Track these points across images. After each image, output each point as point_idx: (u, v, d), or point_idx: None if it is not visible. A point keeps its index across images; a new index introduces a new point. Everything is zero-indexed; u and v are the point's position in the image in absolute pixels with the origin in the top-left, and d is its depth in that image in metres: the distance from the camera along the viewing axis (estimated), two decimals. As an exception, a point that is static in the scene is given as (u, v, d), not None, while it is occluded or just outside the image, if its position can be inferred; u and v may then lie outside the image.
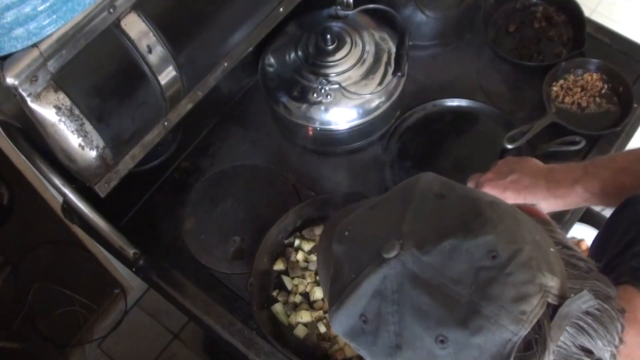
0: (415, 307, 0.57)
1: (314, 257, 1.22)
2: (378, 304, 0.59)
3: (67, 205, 1.26)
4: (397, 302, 0.58)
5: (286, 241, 1.25)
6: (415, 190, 0.64)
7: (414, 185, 0.65)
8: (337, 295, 0.62)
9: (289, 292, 1.20)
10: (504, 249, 0.57)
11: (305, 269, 1.22)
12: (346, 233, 0.65)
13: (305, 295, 1.20)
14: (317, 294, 1.19)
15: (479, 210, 0.60)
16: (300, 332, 1.16)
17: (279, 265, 1.23)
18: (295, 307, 1.19)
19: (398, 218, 0.62)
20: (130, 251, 1.24)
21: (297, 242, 1.24)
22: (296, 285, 1.20)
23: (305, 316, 1.16)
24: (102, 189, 1.04)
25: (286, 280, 1.21)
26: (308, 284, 1.20)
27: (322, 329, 1.16)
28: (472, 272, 0.57)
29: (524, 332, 0.55)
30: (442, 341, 0.56)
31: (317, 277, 1.20)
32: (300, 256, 1.22)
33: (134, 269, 1.26)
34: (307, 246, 1.23)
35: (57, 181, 1.09)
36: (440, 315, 0.56)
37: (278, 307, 1.19)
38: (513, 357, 0.55)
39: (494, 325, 0.55)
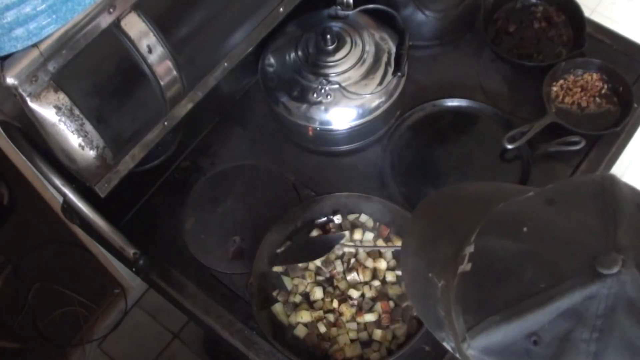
0: (625, 340, 0.49)
1: (314, 257, 1.22)
2: (569, 326, 0.50)
3: (67, 205, 1.26)
4: (600, 329, 0.49)
5: (286, 241, 1.25)
6: (615, 195, 0.54)
7: (610, 187, 0.55)
8: (506, 304, 0.52)
9: (289, 292, 1.20)
10: None
11: (305, 269, 1.21)
12: (525, 229, 0.55)
13: (305, 295, 1.20)
14: (317, 294, 1.18)
15: None
16: (300, 332, 1.16)
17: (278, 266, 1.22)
18: (295, 307, 1.19)
19: (602, 225, 0.52)
20: (130, 251, 1.24)
21: (297, 242, 1.24)
22: (296, 285, 1.20)
23: (305, 316, 1.16)
24: (102, 189, 1.04)
25: (286, 280, 1.21)
26: (308, 284, 1.20)
27: (322, 329, 1.16)
28: None
29: None
30: None
31: (318, 277, 1.20)
32: (300, 256, 1.22)
33: (134, 269, 1.26)
34: (307, 246, 1.23)
35: (57, 181, 1.09)
36: None
37: (278, 307, 1.19)
38: None
39: None
